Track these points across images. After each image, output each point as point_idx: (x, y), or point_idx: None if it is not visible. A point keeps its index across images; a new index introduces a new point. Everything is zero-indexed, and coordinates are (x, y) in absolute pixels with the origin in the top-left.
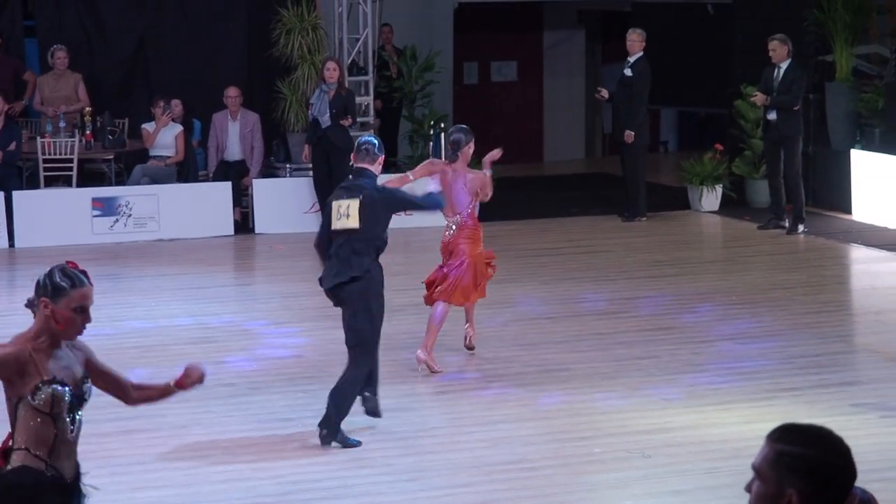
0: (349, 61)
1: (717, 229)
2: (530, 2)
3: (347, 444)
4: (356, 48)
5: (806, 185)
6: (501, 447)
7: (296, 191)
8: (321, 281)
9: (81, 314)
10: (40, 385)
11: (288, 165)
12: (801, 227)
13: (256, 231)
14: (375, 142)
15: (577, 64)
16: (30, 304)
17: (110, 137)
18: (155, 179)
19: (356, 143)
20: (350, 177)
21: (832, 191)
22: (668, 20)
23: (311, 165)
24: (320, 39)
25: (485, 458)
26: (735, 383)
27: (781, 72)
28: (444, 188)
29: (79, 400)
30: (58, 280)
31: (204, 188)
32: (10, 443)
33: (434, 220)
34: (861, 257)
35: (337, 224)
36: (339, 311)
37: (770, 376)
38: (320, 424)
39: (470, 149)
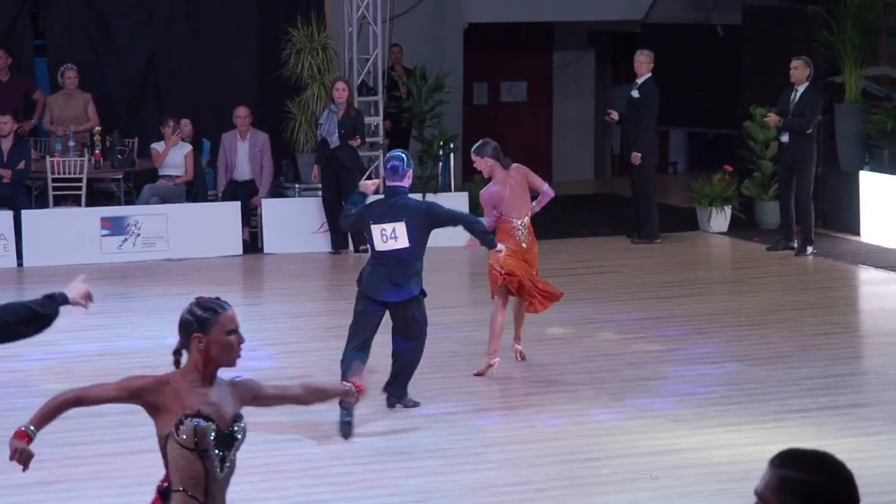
0: (359, 81)
1: (726, 250)
2: (540, 22)
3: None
4: (366, 68)
5: (815, 206)
6: (509, 468)
7: (305, 211)
8: (370, 288)
9: (235, 335)
10: (183, 419)
11: (297, 185)
12: (809, 249)
13: (265, 251)
14: (403, 157)
15: (586, 84)
16: (178, 350)
17: (119, 157)
18: (164, 199)
19: (385, 160)
20: (384, 197)
21: (841, 212)
22: (677, 41)
23: (320, 185)
24: (330, 59)
25: (492, 480)
26: (744, 405)
27: (798, 94)
28: (513, 192)
29: (228, 439)
30: (201, 313)
31: (213, 208)
32: (167, 484)
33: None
34: (870, 279)
35: (384, 247)
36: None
37: (779, 398)
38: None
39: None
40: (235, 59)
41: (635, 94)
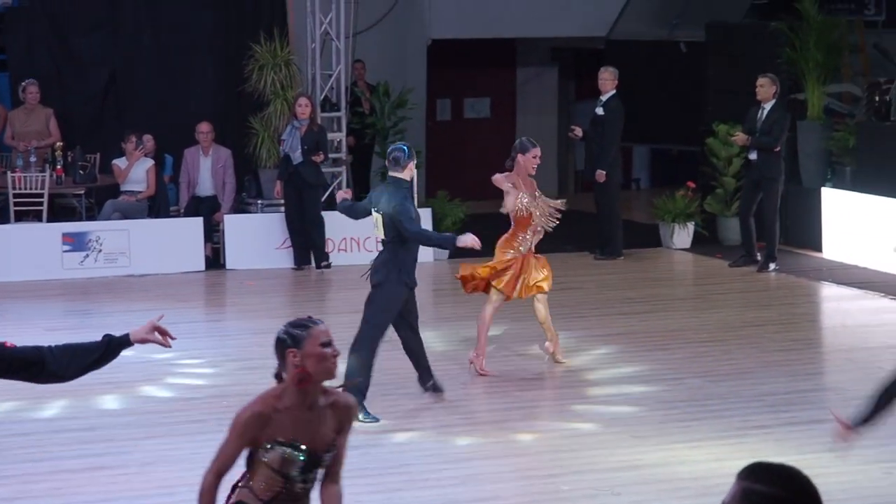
0: (322, 97)
1: (689, 266)
2: (503, 38)
3: None
4: (329, 84)
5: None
6: (471, 484)
7: (267, 227)
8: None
9: (329, 348)
10: (275, 444)
11: (259, 201)
12: (772, 266)
13: (227, 267)
14: (405, 149)
15: (549, 101)
16: (279, 374)
17: (81, 172)
18: (126, 214)
19: (388, 152)
20: (383, 186)
21: (803, 229)
22: (640, 58)
23: (282, 201)
24: (293, 75)
25: (454, 496)
26: (705, 421)
27: (765, 112)
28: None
29: (314, 463)
30: (293, 330)
31: (175, 223)
32: (242, 480)
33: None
34: (831, 295)
35: (375, 233)
36: None
37: (740, 414)
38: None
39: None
40: (198, 74)
41: (600, 111)
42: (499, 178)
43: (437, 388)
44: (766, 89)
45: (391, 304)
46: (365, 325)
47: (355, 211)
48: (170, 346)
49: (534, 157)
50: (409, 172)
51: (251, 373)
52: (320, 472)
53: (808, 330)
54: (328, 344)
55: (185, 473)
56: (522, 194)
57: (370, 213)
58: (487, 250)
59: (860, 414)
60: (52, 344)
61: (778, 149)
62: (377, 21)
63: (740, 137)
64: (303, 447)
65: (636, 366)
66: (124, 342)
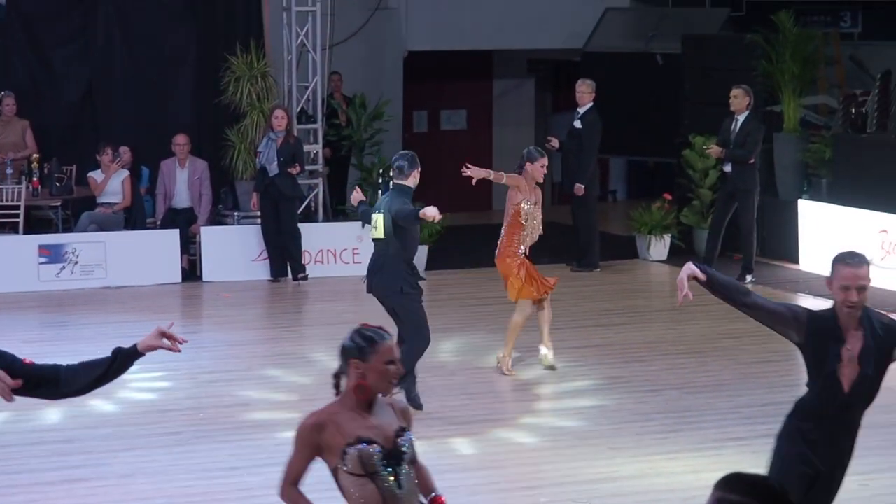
0: (298, 109)
1: (666, 278)
2: (480, 51)
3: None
4: (305, 96)
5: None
6: (448, 496)
7: (244, 239)
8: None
9: (392, 365)
10: (346, 449)
11: (236, 213)
12: (749, 277)
13: (204, 279)
14: (409, 158)
15: (526, 113)
16: (338, 375)
17: (57, 184)
18: (102, 226)
19: (392, 160)
20: (389, 192)
21: (780, 240)
22: (617, 70)
23: (259, 213)
24: (269, 87)
25: None
26: (682, 433)
27: (739, 124)
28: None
29: (396, 455)
30: (361, 341)
31: (151, 235)
32: None
33: None
34: (808, 306)
35: (371, 235)
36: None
37: (717, 426)
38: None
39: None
40: (174, 86)
41: (577, 123)
42: (513, 175)
43: (415, 403)
44: (740, 100)
45: (419, 315)
46: (406, 347)
47: (368, 217)
48: (179, 351)
49: (541, 167)
50: (413, 180)
51: (228, 385)
52: (406, 468)
53: (785, 342)
54: (392, 362)
55: (164, 485)
56: (526, 199)
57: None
58: (469, 260)
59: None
60: (71, 362)
61: (753, 160)
62: (354, 33)
63: (715, 150)
64: (374, 441)
65: (613, 378)
66: (132, 353)
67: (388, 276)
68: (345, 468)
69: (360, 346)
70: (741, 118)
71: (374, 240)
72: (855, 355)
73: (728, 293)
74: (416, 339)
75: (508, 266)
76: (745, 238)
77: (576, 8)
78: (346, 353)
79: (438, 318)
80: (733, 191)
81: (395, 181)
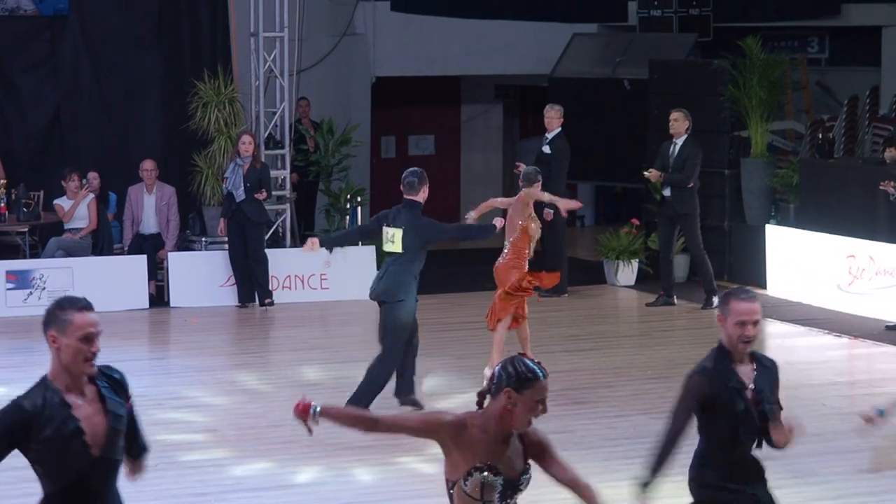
0: (266, 135)
1: (633, 303)
2: (448, 76)
3: None
4: (273, 121)
5: (722, 259)
6: None
7: (211, 264)
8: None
9: (541, 405)
10: (473, 470)
11: (203, 239)
12: (715, 301)
13: (171, 304)
14: (419, 174)
15: (494, 138)
16: (483, 393)
17: (25, 210)
18: (69, 252)
19: (402, 177)
20: (399, 207)
21: (747, 265)
22: (584, 95)
23: (226, 239)
24: (237, 113)
25: None
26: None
27: (677, 148)
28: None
29: (513, 490)
30: (522, 372)
31: (119, 261)
32: None
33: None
34: (776, 332)
35: (385, 248)
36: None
37: (686, 451)
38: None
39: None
40: (141, 112)
41: (546, 149)
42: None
43: (415, 403)
44: (680, 124)
45: (403, 330)
46: (384, 354)
47: (350, 238)
48: None
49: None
50: (423, 195)
51: (194, 411)
52: (518, 498)
53: None
54: (543, 401)
55: None
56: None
57: (367, 236)
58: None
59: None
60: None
61: (692, 184)
62: (321, 59)
63: (654, 173)
64: (501, 472)
65: (580, 403)
66: None
67: (393, 284)
68: (464, 487)
69: (520, 377)
70: (679, 142)
71: (387, 252)
72: (752, 388)
73: None
74: (391, 351)
75: (511, 277)
76: (699, 263)
77: (543, 33)
78: (505, 379)
79: None
80: (673, 215)
81: (406, 196)
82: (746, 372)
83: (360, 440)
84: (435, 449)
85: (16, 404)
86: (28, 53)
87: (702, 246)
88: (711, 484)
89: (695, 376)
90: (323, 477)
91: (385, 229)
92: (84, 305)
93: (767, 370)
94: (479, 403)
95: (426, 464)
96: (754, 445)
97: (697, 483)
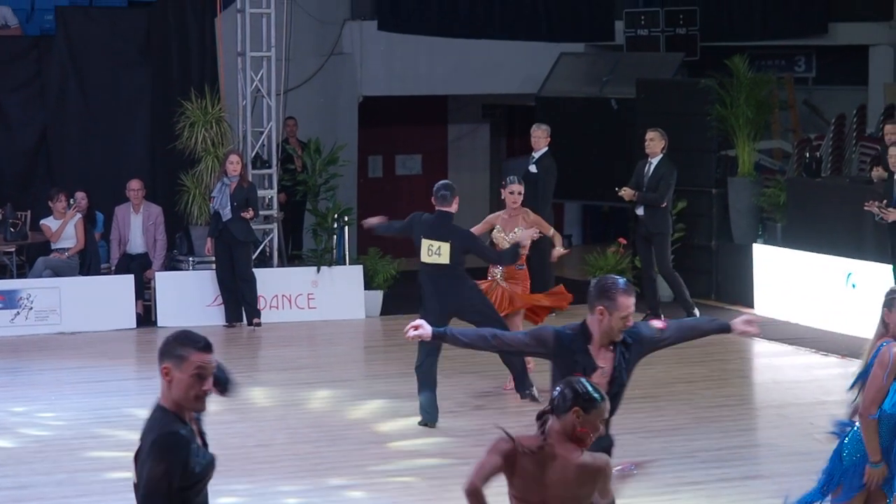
0: (253, 154)
1: None
2: (435, 96)
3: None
4: (260, 141)
5: (709, 278)
6: None
7: (199, 284)
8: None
9: (600, 429)
10: None
11: (191, 258)
12: (697, 313)
13: (159, 324)
14: (451, 187)
15: (481, 157)
16: (547, 414)
17: (12, 230)
18: (57, 272)
19: (434, 190)
20: (434, 218)
21: (734, 285)
22: (571, 115)
23: (213, 258)
24: (224, 132)
25: None
26: (638, 477)
27: (652, 167)
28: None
29: None
30: (593, 395)
31: (106, 281)
32: None
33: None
34: (763, 351)
35: (429, 259)
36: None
37: (672, 470)
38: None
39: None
40: (128, 131)
41: (533, 168)
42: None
43: (534, 397)
44: (656, 143)
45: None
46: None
47: (393, 229)
48: None
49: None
50: (455, 206)
51: None
52: None
53: (740, 386)
54: (604, 422)
55: None
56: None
57: (403, 233)
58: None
59: None
60: None
61: (665, 204)
62: (308, 78)
63: (627, 192)
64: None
65: None
66: None
67: (459, 291)
68: None
69: (589, 401)
70: (654, 161)
71: (432, 264)
72: (608, 370)
73: (475, 344)
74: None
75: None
76: (670, 282)
77: (530, 53)
78: (573, 399)
79: (393, 363)
80: (646, 234)
81: (440, 208)
82: (606, 355)
83: (347, 460)
84: (427, 467)
85: (178, 434)
86: (15, 73)
87: (671, 265)
88: None
89: (550, 329)
90: (310, 496)
91: (427, 242)
92: (204, 346)
93: (632, 348)
94: (541, 424)
95: (417, 482)
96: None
97: None
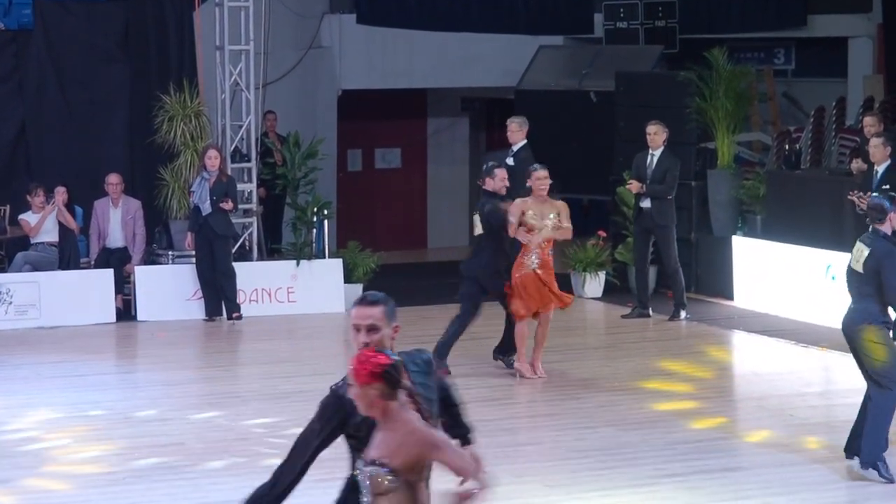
0: (232, 148)
1: (601, 315)
2: (414, 89)
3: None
4: (239, 135)
5: (688, 271)
6: None
7: (178, 278)
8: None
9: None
10: None
11: (170, 252)
12: (683, 314)
13: (139, 318)
14: (489, 166)
15: (460, 151)
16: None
17: None
18: (36, 266)
19: (484, 169)
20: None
21: (714, 277)
22: (550, 107)
23: (193, 252)
24: (203, 126)
25: None
26: (617, 469)
27: (655, 159)
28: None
29: None
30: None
31: (85, 275)
32: None
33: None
34: (743, 343)
35: (476, 229)
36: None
37: (653, 462)
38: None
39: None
40: (107, 126)
41: (510, 161)
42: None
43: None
44: (659, 136)
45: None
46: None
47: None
48: None
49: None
50: (491, 185)
51: (163, 424)
52: None
53: (720, 378)
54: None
55: None
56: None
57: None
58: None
59: None
60: None
61: (671, 196)
62: (287, 72)
63: (635, 185)
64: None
65: (548, 414)
66: None
67: (486, 265)
68: None
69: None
70: (657, 153)
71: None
72: None
73: None
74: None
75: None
76: (672, 275)
77: (509, 46)
78: None
79: None
80: (650, 227)
81: (486, 187)
82: None
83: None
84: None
85: (334, 393)
86: None
87: (677, 258)
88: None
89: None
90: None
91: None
92: (361, 300)
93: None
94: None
95: None
96: None
97: None
